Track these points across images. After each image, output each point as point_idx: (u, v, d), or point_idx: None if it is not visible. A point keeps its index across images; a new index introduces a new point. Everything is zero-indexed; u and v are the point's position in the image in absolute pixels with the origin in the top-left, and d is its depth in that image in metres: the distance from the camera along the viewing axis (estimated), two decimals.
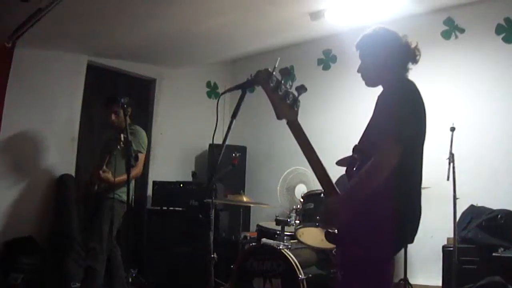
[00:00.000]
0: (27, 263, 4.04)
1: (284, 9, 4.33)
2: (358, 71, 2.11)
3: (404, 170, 1.81)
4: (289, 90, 1.87)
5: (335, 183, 1.91)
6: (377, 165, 1.77)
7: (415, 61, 2.04)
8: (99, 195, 3.76)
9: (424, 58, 2.08)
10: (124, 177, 3.25)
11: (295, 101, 1.88)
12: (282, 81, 1.84)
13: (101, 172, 3.65)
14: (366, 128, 2.04)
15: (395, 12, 4.42)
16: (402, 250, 3.96)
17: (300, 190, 4.74)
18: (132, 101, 3.48)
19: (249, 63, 6.03)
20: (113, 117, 3.96)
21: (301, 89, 1.89)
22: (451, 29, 4.56)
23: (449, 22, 4.56)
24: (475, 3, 4.38)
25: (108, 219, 3.69)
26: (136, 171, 3.83)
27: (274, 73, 1.81)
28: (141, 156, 3.93)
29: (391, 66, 2.01)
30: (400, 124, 1.78)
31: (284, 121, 1.89)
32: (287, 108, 1.86)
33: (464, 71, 4.47)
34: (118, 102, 3.59)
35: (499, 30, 4.29)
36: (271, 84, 1.81)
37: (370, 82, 2.08)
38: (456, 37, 4.55)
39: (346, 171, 2.05)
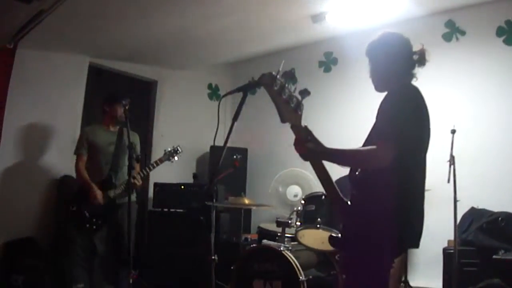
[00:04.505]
0: (28, 264, 4.03)
1: (285, 11, 4.34)
2: (370, 77, 2.12)
3: (406, 173, 1.81)
4: (292, 93, 1.84)
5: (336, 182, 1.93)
6: (369, 155, 1.81)
7: (422, 63, 2.04)
8: (114, 200, 3.78)
9: None
10: None
11: (299, 105, 1.86)
12: (286, 85, 1.82)
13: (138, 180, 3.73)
14: (369, 133, 2.05)
15: (396, 15, 4.43)
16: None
17: (293, 191, 4.78)
18: (132, 102, 3.48)
19: (251, 65, 6.04)
20: (122, 111, 3.73)
21: (305, 93, 1.88)
22: (452, 32, 4.56)
23: (450, 24, 4.57)
24: (476, 5, 4.39)
25: (133, 221, 3.66)
26: None
27: (278, 76, 1.79)
28: None
29: (395, 71, 2.03)
30: (397, 128, 1.79)
31: (285, 123, 1.88)
32: (291, 111, 1.85)
33: (465, 73, 4.48)
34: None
35: (500, 32, 4.30)
36: (275, 88, 1.78)
37: (378, 87, 2.09)
38: (457, 39, 4.55)
39: (349, 174, 2.05)
